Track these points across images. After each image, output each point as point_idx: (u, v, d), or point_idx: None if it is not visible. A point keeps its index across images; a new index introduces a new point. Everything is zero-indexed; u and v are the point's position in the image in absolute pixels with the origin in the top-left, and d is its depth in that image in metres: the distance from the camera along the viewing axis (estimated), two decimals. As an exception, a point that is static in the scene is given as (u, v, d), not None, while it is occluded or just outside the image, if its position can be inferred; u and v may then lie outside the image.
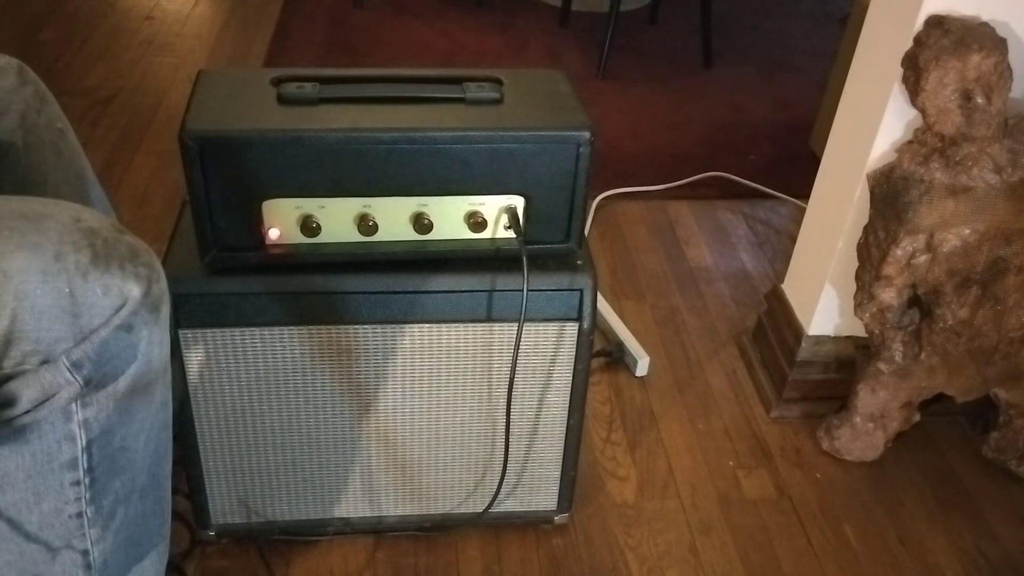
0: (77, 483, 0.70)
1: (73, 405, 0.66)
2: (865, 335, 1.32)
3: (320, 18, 2.64)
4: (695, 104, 2.35)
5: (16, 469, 0.66)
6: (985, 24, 1.13)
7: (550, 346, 1.06)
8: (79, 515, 0.72)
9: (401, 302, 1.01)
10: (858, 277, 1.28)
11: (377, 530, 1.21)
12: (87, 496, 0.71)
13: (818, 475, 1.37)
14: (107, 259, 0.65)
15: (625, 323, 1.58)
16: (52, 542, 0.72)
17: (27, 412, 0.63)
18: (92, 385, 0.65)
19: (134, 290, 0.65)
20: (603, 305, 1.62)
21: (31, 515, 0.70)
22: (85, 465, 0.69)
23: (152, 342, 0.68)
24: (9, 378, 0.61)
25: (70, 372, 0.63)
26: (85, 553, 0.74)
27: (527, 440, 1.14)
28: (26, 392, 0.62)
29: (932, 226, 1.18)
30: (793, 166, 2.09)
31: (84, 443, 0.68)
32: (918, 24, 1.14)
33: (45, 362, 0.62)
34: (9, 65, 0.95)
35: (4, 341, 0.60)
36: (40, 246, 0.63)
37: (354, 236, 0.98)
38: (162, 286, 0.69)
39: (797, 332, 1.43)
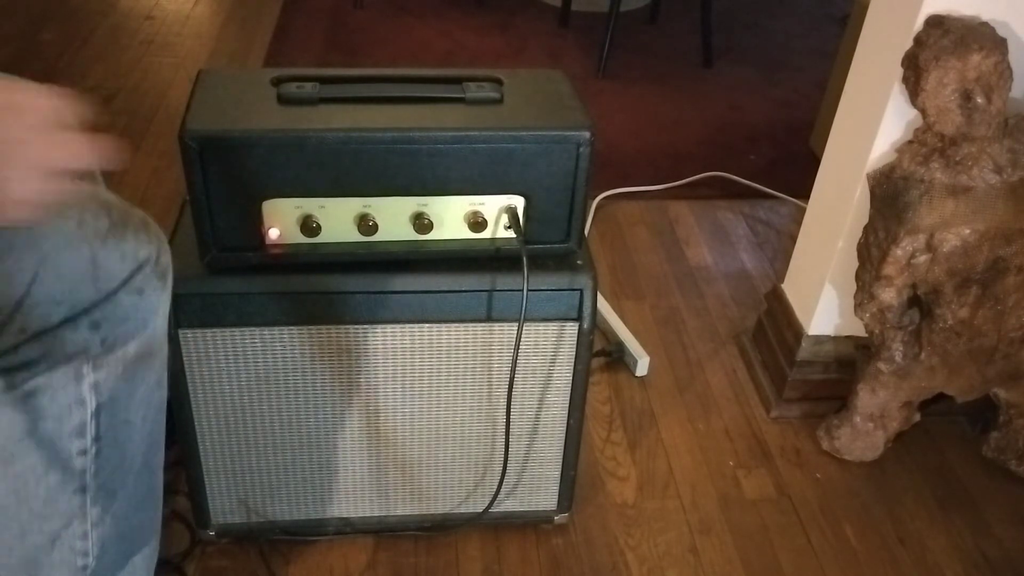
0: (84, 452, 0.72)
1: (85, 367, 0.68)
2: (865, 335, 1.32)
3: (320, 18, 2.64)
4: (695, 104, 2.35)
5: (29, 435, 0.68)
6: (985, 24, 1.13)
7: (550, 346, 1.06)
8: (83, 490, 0.73)
9: (401, 302, 1.01)
10: (858, 277, 1.28)
11: (377, 530, 1.21)
12: (92, 469, 0.73)
13: (818, 475, 1.37)
14: (123, 227, 0.68)
15: (625, 323, 1.58)
16: (54, 522, 0.73)
17: (47, 371, 0.65)
18: (106, 346, 0.68)
19: (146, 257, 0.69)
20: (603, 305, 1.62)
21: (38, 488, 0.71)
22: (92, 433, 0.71)
23: (159, 310, 0.72)
24: (32, 337, 0.63)
25: (89, 331, 0.66)
26: (84, 536, 0.75)
27: (527, 440, 1.14)
28: (48, 351, 0.64)
29: (932, 226, 1.18)
30: (793, 166, 2.09)
31: (93, 408, 0.70)
32: (918, 24, 1.14)
33: (66, 321, 0.64)
34: None
35: (29, 302, 0.63)
36: (64, 213, 0.65)
37: (354, 236, 0.98)
38: (168, 257, 0.73)
39: (797, 332, 1.43)
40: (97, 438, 0.72)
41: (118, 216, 0.69)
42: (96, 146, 0.57)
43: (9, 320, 0.62)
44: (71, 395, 0.69)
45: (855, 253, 1.28)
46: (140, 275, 0.69)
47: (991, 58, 1.10)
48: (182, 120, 0.91)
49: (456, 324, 1.03)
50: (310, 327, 1.01)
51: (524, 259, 0.98)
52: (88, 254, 0.65)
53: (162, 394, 0.79)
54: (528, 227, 1.00)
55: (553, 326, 1.05)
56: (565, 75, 1.06)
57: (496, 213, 0.99)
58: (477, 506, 1.19)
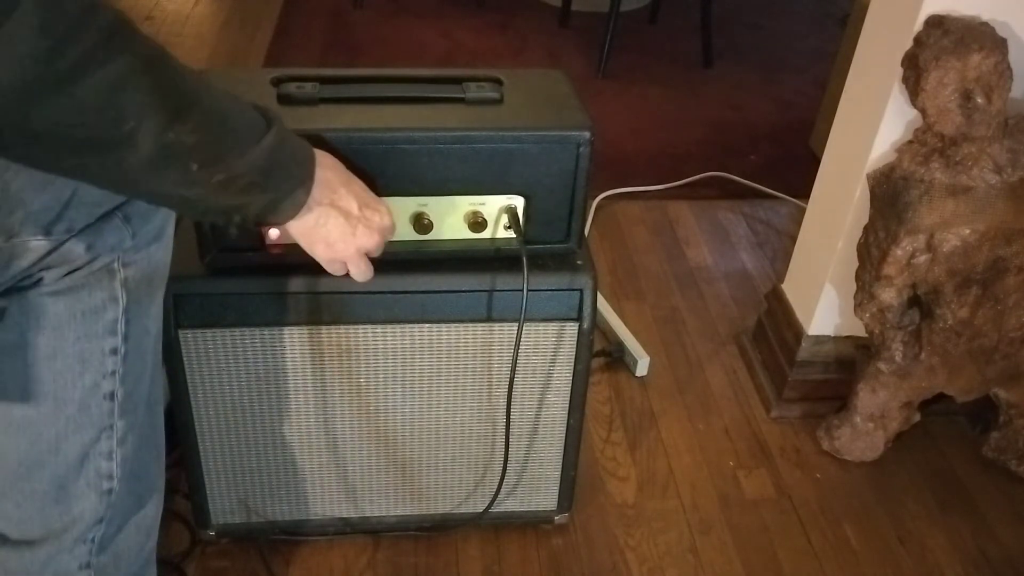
0: (115, 351, 0.76)
1: (115, 263, 0.73)
2: (865, 335, 1.32)
3: (320, 18, 2.64)
4: (695, 104, 2.35)
5: (68, 329, 0.73)
6: (985, 24, 1.13)
7: (550, 346, 1.06)
8: (112, 395, 0.77)
9: (401, 302, 1.01)
10: (858, 277, 1.28)
11: (377, 530, 1.21)
12: (120, 371, 0.77)
13: (818, 475, 1.37)
14: None
15: (625, 323, 1.58)
16: (86, 432, 0.76)
17: (88, 265, 0.70)
18: (135, 242, 0.74)
19: None
20: (603, 305, 1.62)
21: (74, 390, 0.75)
22: (123, 331, 0.76)
23: (171, 219, 0.79)
24: (77, 234, 0.69)
25: (122, 223, 0.72)
26: (110, 456, 0.79)
27: (527, 440, 1.14)
28: (91, 244, 0.70)
29: (932, 226, 1.18)
30: (793, 166, 2.09)
31: (124, 304, 0.75)
32: (918, 24, 1.14)
33: (104, 216, 0.71)
34: None
35: (76, 202, 0.68)
36: None
37: (354, 236, 0.98)
38: None
39: (797, 332, 1.43)
40: (126, 337, 0.76)
41: None
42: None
43: (58, 218, 0.67)
44: (106, 290, 0.73)
45: (855, 253, 1.28)
46: None
47: (991, 58, 1.09)
48: (182, 120, 0.90)
49: (456, 324, 1.03)
50: (310, 327, 1.01)
51: (524, 259, 0.98)
52: None
53: (160, 324, 0.84)
54: (528, 227, 1.00)
55: (553, 326, 1.05)
56: (565, 75, 1.06)
57: (496, 213, 0.99)
58: (477, 506, 1.19)
